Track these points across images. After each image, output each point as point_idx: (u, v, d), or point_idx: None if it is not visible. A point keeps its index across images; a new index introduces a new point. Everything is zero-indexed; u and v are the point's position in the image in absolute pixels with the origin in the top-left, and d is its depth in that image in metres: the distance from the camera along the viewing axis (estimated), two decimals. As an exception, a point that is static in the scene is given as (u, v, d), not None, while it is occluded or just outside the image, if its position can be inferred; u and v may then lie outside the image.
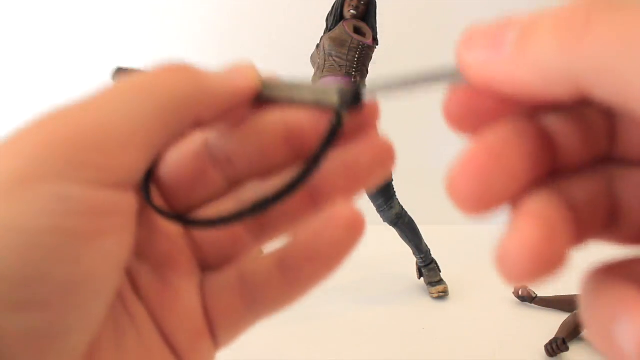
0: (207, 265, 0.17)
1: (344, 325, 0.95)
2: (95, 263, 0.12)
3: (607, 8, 0.10)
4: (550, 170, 0.13)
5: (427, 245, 1.08)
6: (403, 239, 1.07)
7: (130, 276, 0.15)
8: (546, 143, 0.13)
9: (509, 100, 0.13)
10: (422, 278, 1.09)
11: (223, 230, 0.17)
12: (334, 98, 0.16)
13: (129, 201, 0.13)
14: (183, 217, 0.16)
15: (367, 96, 0.16)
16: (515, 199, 0.13)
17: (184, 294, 0.16)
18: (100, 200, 0.12)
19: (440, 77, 0.14)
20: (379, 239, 1.30)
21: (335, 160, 0.16)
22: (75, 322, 0.12)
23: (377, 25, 1.12)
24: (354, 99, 0.16)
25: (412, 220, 1.06)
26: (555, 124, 0.13)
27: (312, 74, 1.11)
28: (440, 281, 1.05)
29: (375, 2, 1.11)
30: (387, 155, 0.16)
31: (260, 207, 0.15)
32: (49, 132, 0.12)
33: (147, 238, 0.15)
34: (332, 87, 0.16)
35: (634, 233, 0.13)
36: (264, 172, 0.16)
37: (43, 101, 1.46)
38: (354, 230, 0.15)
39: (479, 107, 0.13)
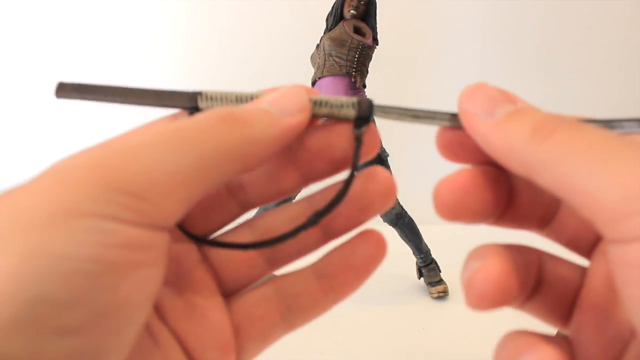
0: (225, 291, 0.18)
1: (344, 325, 0.95)
2: (131, 292, 0.13)
3: (573, 126, 0.14)
4: (504, 208, 0.17)
5: (427, 245, 1.08)
6: (403, 239, 1.07)
7: (155, 302, 0.16)
8: (508, 189, 0.17)
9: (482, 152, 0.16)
10: (422, 278, 1.09)
11: (241, 257, 0.18)
12: (350, 112, 0.16)
13: (163, 239, 0.14)
14: (215, 242, 0.17)
15: (376, 114, 0.17)
16: (478, 218, 0.17)
17: (211, 312, 0.17)
18: (137, 236, 0.13)
19: (443, 117, 0.17)
20: (379, 239, 1.30)
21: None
22: (111, 346, 0.13)
23: (377, 26, 1.12)
24: (369, 111, 0.17)
25: (412, 220, 1.06)
26: (520, 180, 0.17)
27: (312, 73, 1.11)
28: (440, 281, 1.05)
29: (375, 2, 1.11)
30: (389, 188, 0.18)
31: (304, 228, 0.16)
32: (95, 172, 0.13)
33: (169, 264, 0.16)
34: (347, 100, 0.17)
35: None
36: (274, 197, 0.18)
37: (42, 101, 1.45)
38: (381, 248, 0.18)
39: (465, 144, 0.17)
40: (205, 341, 0.17)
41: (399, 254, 1.37)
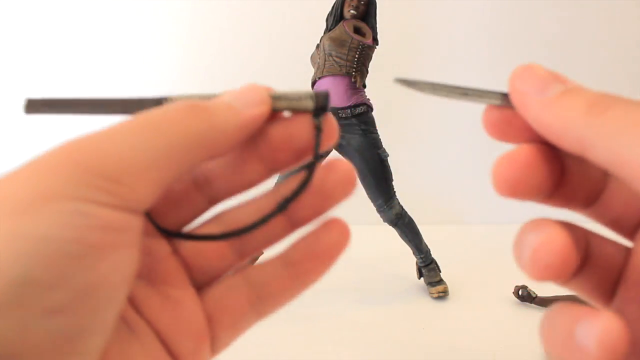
0: (197, 283, 0.19)
1: (344, 325, 0.95)
2: (109, 272, 0.13)
3: (627, 103, 0.14)
4: (555, 187, 0.17)
5: (427, 245, 1.08)
6: (403, 239, 1.07)
7: (129, 294, 0.17)
8: (560, 168, 0.17)
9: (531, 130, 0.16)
10: (422, 278, 1.09)
11: (211, 249, 0.19)
12: (308, 103, 0.17)
13: (138, 222, 0.14)
14: (184, 234, 0.18)
15: (420, 89, 0.18)
16: (533, 195, 0.17)
17: (184, 303, 0.18)
18: (114, 219, 0.13)
19: (492, 96, 0.18)
20: (379, 239, 1.30)
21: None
22: (93, 326, 0.13)
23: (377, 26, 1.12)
24: (326, 101, 0.18)
25: (412, 220, 1.06)
26: (569, 158, 0.17)
27: (312, 73, 1.11)
28: (440, 281, 1.05)
29: (375, 2, 1.11)
30: (349, 178, 0.19)
31: (266, 219, 0.18)
32: (72, 157, 0.13)
33: (141, 258, 0.17)
34: (305, 92, 0.18)
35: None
36: (240, 188, 0.19)
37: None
38: (344, 235, 0.19)
39: (514, 123, 0.17)
40: (180, 331, 0.17)
41: (399, 254, 1.37)
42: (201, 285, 0.19)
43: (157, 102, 0.18)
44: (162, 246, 0.18)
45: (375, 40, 1.10)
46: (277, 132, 0.18)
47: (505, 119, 0.17)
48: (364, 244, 1.14)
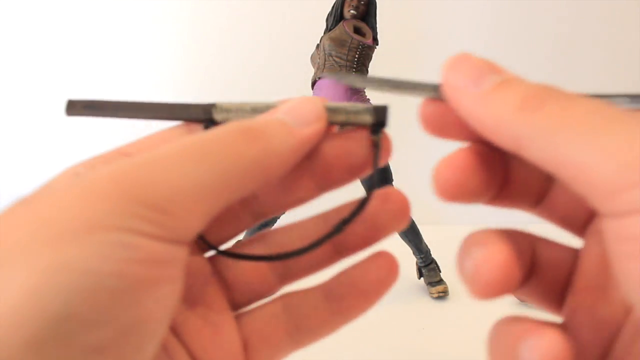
0: (235, 304, 0.18)
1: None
2: (154, 306, 0.13)
3: (565, 97, 0.13)
4: (500, 188, 0.16)
5: (427, 245, 1.08)
6: (403, 239, 1.07)
7: None
8: (503, 167, 0.16)
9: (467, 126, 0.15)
10: (422, 278, 1.08)
11: (253, 271, 0.18)
12: (366, 118, 0.16)
13: (183, 253, 0.14)
14: (239, 254, 0.17)
15: (352, 82, 0.17)
16: (476, 198, 0.16)
17: (222, 328, 0.17)
18: (160, 251, 0.13)
19: (425, 88, 0.16)
20: (379, 239, 1.30)
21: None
22: None
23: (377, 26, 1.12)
24: (385, 116, 0.17)
25: (412, 220, 1.06)
26: (513, 158, 0.16)
27: (312, 73, 1.11)
28: (440, 281, 1.04)
29: (375, 2, 1.11)
30: (404, 209, 0.18)
31: (333, 234, 0.17)
32: (119, 185, 0.12)
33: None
34: (363, 106, 0.17)
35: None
36: (288, 206, 0.18)
37: (41, 101, 1.45)
38: (392, 272, 0.18)
39: (450, 119, 0.16)
40: (216, 357, 0.16)
41: (399, 254, 1.36)
42: (240, 307, 0.18)
43: (205, 109, 0.17)
44: (204, 266, 0.17)
45: (375, 40, 1.10)
46: (331, 148, 0.17)
47: (440, 115, 0.16)
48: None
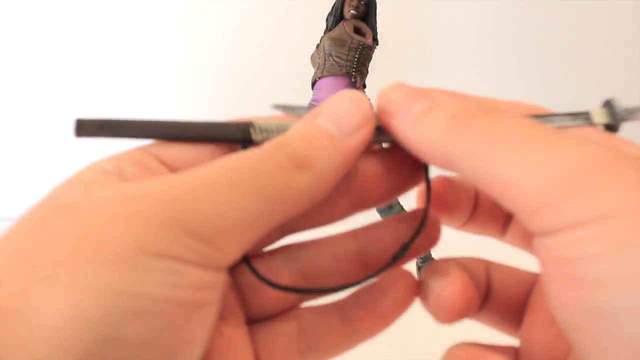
0: (250, 318, 0.18)
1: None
2: (197, 329, 0.13)
3: (490, 115, 0.13)
4: (470, 213, 0.17)
5: (427, 246, 1.08)
6: (403, 239, 1.07)
7: None
8: (474, 194, 0.17)
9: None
10: (422, 278, 1.08)
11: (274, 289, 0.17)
12: None
13: (223, 278, 0.14)
14: (277, 285, 0.17)
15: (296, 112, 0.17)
16: (454, 221, 0.17)
17: (237, 342, 0.17)
18: (204, 278, 0.13)
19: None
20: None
21: (388, 232, 0.17)
22: None
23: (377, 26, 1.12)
24: None
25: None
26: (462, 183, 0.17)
27: (312, 74, 1.11)
28: (440, 281, 1.04)
29: (375, 2, 1.11)
30: (435, 232, 0.18)
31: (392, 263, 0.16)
32: (167, 209, 0.13)
33: None
34: None
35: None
36: (320, 224, 0.17)
37: (41, 101, 1.45)
38: (412, 292, 0.17)
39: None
40: None
41: (399, 254, 1.36)
42: (254, 320, 0.18)
43: (243, 129, 0.16)
44: (225, 279, 0.17)
45: (375, 40, 1.10)
46: (373, 166, 0.16)
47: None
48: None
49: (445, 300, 0.15)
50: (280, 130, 0.16)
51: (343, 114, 0.15)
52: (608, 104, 0.18)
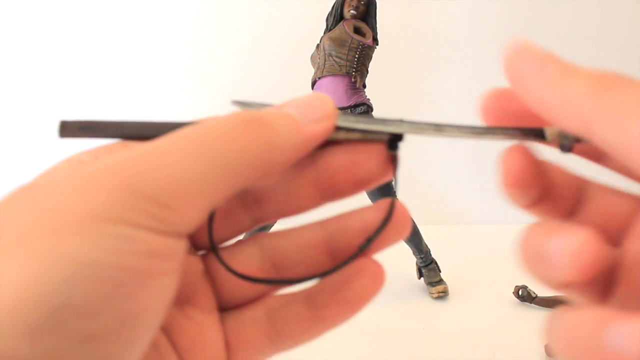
0: (222, 305, 0.18)
1: (343, 324, 0.95)
2: (150, 299, 0.13)
3: (633, 83, 0.13)
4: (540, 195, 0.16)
5: (427, 245, 1.08)
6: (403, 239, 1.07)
7: None
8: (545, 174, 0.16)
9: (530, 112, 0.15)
10: (422, 278, 1.08)
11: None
12: (383, 134, 0.16)
13: (182, 246, 0.14)
14: (242, 275, 0.17)
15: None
16: (531, 192, 0.16)
17: (208, 328, 0.17)
18: (160, 245, 0.13)
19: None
20: (379, 239, 1.30)
21: (355, 222, 0.17)
22: (128, 353, 0.12)
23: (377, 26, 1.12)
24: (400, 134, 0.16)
25: (412, 221, 1.06)
26: (551, 168, 0.17)
27: (312, 73, 1.11)
28: (440, 281, 1.04)
29: (375, 2, 1.11)
30: (404, 221, 0.18)
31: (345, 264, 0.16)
32: (121, 178, 0.12)
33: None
34: (380, 124, 0.17)
35: None
36: (289, 213, 0.17)
37: (42, 100, 1.45)
38: (378, 280, 0.17)
39: (512, 108, 0.16)
40: (199, 357, 0.16)
41: (399, 254, 1.37)
42: (226, 307, 0.18)
43: None
44: (196, 264, 0.17)
45: (375, 40, 1.10)
46: (340, 159, 0.17)
47: (504, 104, 0.16)
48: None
49: (583, 256, 0.14)
50: None
51: (308, 106, 0.16)
52: None
